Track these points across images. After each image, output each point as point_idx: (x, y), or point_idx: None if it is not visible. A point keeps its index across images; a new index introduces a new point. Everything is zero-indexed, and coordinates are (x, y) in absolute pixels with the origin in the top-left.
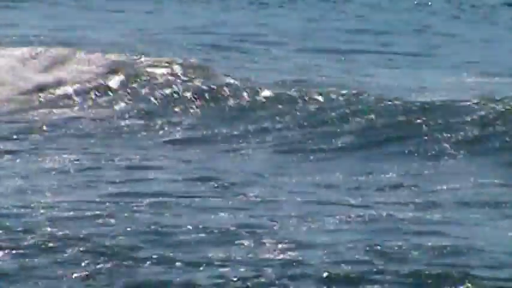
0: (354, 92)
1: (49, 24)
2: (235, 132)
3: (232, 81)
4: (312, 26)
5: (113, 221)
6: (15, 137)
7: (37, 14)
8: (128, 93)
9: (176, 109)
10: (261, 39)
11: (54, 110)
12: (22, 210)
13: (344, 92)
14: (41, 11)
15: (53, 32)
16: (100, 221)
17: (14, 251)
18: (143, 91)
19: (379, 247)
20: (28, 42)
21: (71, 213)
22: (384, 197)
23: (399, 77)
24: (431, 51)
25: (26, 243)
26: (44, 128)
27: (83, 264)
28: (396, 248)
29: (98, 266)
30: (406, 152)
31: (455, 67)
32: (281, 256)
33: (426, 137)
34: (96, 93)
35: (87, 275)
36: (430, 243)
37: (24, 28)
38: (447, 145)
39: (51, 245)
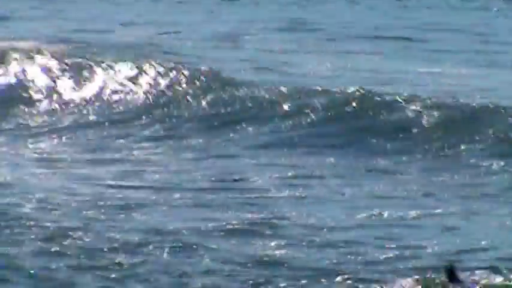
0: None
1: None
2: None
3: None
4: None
5: (111, 217)
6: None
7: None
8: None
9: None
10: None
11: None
12: (13, 200)
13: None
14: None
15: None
16: (97, 217)
17: (3, 243)
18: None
19: (381, 244)
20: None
21: (63, 205)
22: (383, 191)
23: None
24: (422, 39)
25: (16, 235)
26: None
27: (73, 258)
28: (399, 245)
29: (94, 263)
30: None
31: (440, 57)
32: (279, 253)
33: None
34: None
35: (79, 269)
36: (431, 240)
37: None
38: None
39: (41, 236)
